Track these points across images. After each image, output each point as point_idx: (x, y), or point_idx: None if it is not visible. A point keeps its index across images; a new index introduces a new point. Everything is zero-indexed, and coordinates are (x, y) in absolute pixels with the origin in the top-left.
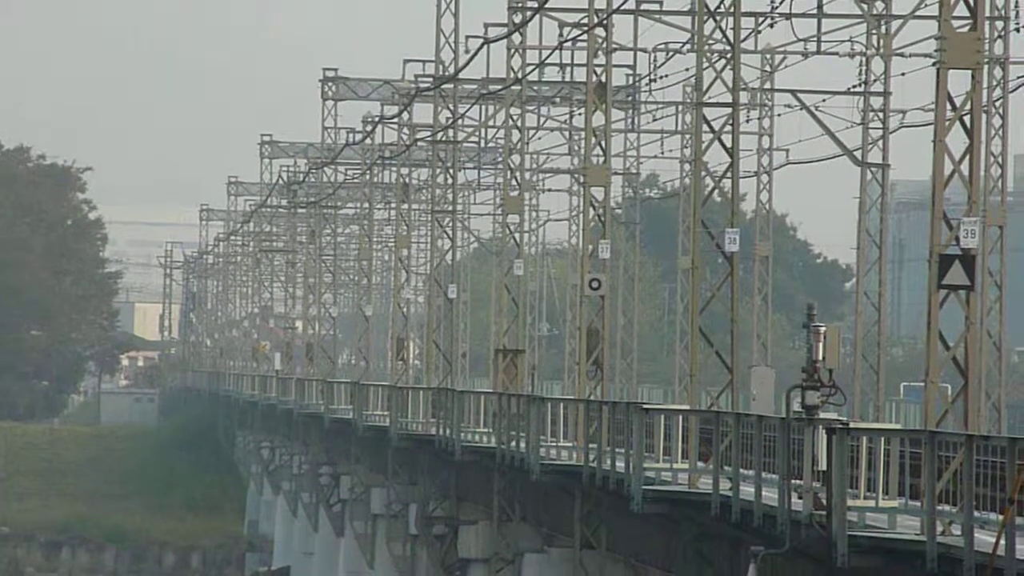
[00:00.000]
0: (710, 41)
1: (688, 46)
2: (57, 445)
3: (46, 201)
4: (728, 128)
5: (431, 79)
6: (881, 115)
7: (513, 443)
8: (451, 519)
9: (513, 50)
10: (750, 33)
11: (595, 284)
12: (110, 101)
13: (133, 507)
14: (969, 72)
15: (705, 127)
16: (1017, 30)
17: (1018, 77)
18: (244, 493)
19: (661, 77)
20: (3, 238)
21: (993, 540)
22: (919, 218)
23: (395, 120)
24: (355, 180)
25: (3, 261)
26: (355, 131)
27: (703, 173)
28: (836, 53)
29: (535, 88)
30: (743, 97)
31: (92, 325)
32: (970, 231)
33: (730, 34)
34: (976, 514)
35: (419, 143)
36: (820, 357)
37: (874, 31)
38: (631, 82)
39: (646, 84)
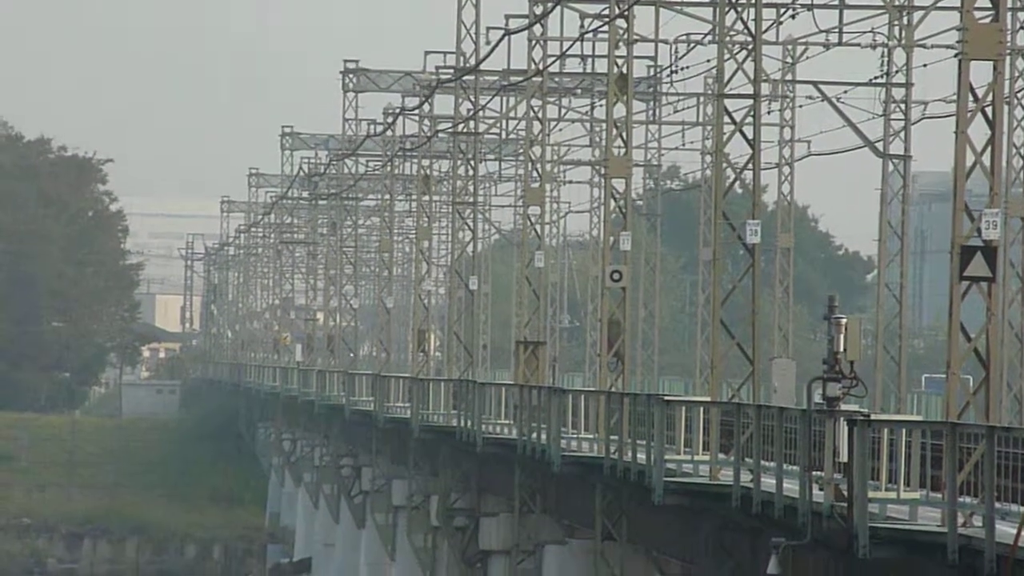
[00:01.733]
0: (731, 32)
1: (709, 37)
2: (78, 437)
3: (67, 193)
4: (749, 120)
5: (452, 71)
6: (903, 106)
7: (534, 435)
8: (472, 511)
9: (534, 41)
10: (771, 24)
11: (616, 276)
12: (131, 93)
13: (154, 499)
14: (991, 63)
15: (726, 119)
16: None
17: None
18: (265, 485)
19: (682, 68)
20: (24, 230)
21: (1014, 531)
22: (941, 209)
23: (416, 112)
24: (376, 172)
25: (24, 253)
26: (376, 123)
27: (724, 165)
28: (858, 44)
29: (556, 80)
30: (764, 88)
31: (113, 317)
32: (992, 222)
33: (751, 25)
34: (997, 505)
35: (440, 135)
36: (841, 349)
37: (896, 22)
38: (652, 73)
39: (667, 75)
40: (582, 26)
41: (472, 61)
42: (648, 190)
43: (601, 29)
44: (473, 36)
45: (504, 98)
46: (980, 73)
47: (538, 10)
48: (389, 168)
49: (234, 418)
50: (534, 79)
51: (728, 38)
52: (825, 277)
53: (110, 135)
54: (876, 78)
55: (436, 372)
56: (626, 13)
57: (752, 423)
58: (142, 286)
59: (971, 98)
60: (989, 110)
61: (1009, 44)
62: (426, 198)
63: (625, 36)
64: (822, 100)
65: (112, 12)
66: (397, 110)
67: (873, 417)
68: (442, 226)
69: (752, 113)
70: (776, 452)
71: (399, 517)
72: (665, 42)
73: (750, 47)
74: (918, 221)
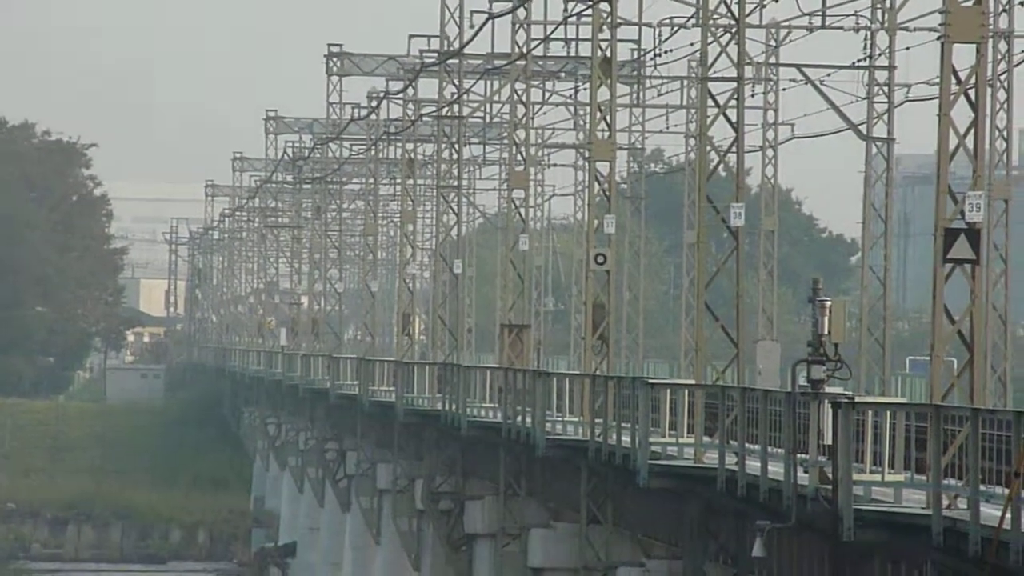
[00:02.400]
0: (715, 15)
1: (693, 20)
2: (63, 421)
3: (51, 177)
4: (733, 103)
5: (436, 54)
6: (886, 89)
7: (519, 418)
8: (457, 494)
9: (518, 25)
10: (755, 7)
11: (600, 259)
12: (115, 77)
13: (139, 483)
14: (974, 46)
15: (710, 102)
16: (1021, 4)
17: (1022, 51)
18: (250, 469)
19: (666, 52)
20: (8, 214)
21: (999, 514)
22: (924, 192)
23: (400, 95)
24: (360, 156)
25: (8, 237)
26: (360, 107)
27: (708, 148)
28: (841, 27)
29: (540, 63)
30: (748, 72)
31: (98, 301)
32: (975, 205)
33: (735, 9)
34: (982, 488)
35: (424, 118)
36: (826, 331)
37: (879, 5)
38: (636, 57)
39: (651, 59)
40: (566, 9)
41: (456, 45)
42: (632, 173)
43: (585, 12)
44: (457, 20)
45: (488, 82)
46: (963, 56)
47: None
48: (373, 152)
49: (219, 402)
50: (518, 63)
51: (711, 21)
52: (809, 260)
53: (94, 120)
54: (859, 61)
55: (421, 356)
56: None
57: (737, 406)
58: (126, 270)
59: (954, 81)
60: (972, 93)
61: (992, 27)
62: (410, 182)
63: (609, 19)
64: (805, 83)
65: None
66: (381, 94)
67: (857, 400)
68: (426, 210)
69: (736, 96)
70: (761, 435)
71: (384, 501)
72: (649, 25)
73: (733, 30)
74: (902, 204)
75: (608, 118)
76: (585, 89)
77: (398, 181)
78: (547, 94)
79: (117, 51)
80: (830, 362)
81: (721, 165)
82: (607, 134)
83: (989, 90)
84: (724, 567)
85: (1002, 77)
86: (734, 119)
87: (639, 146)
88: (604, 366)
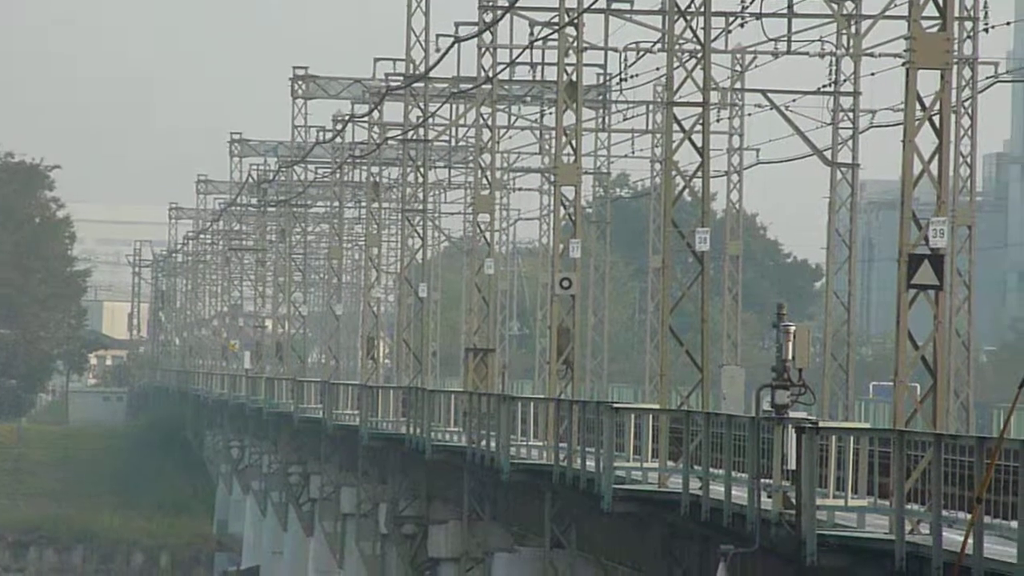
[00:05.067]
0: (681, 41)
1: (659, 45)
2: (25, 444)
3: (14, 199)
4: (698, 128)
5: (402, 78)
6: (851, 115)
7: (483, 442)
8: (421, 518)
9: (484, 49)
10: (720, 33)
11: (566, 283)
12: (79, 98)
13: (101, 506)
14: (938, 72)
15: (676, 126)
16: (986, 30)
17: (987, 77)
18: (213, 492)
19: (632, 76)
20: None
21: (961, 539)
22: (888, 218)
23: (365, 119)
24: (325, 179)
25: None
26: (325, 130)
27: (673, 172)
28: (806, 53)
29: (506, 87)
30: (713, 97)
31: (60, 324)
32: (939, 231)
33: (700, 34)
34: (944, 513)
35: (389, 142)
36: (790, 356)
37: (844, 31)
38: (602, 81)
39: (617, 83)
40: (532, 34)
41: (422, 68)
42: (598, 198)
43: (551, 37)
44: (423, 43)
45: (454, 105)
46: (928, 82)
47: (488, 18)
48: (338, 175)
49: (182, 426)
50: (484, 86)
51: (677, 46)
52: (774, 285)
53: (57, 141)
54: (824, 87)
55: (385, 379)
56: (575, 21)
57: (701, 430)
58: (89, 293)
59: (919, 107)
60: (936, 119)
61: (956, 53)
62: (375, 205)
63: (575, 44)
64: (771, 108)
65: (59, 17)
66: (347, 117)
67: (821, 425)
68: (391, 233)
69: (701, 121)
70: (725, 459)
71: (348, 525)
72: (615, 50)
73: (699, 55)
74: (866, 229)
75: (574, 142)
76: (551, 113)
77: (363, 204)
78: (513, 118)
79: (81, 73)
80: (794, 387)
81: (686, 190)
82: (573, 158)
83: (953, 116)
84: None
85: (966, 104)
86: (700, 144)
87: (605, 170)
88: (569, 390)
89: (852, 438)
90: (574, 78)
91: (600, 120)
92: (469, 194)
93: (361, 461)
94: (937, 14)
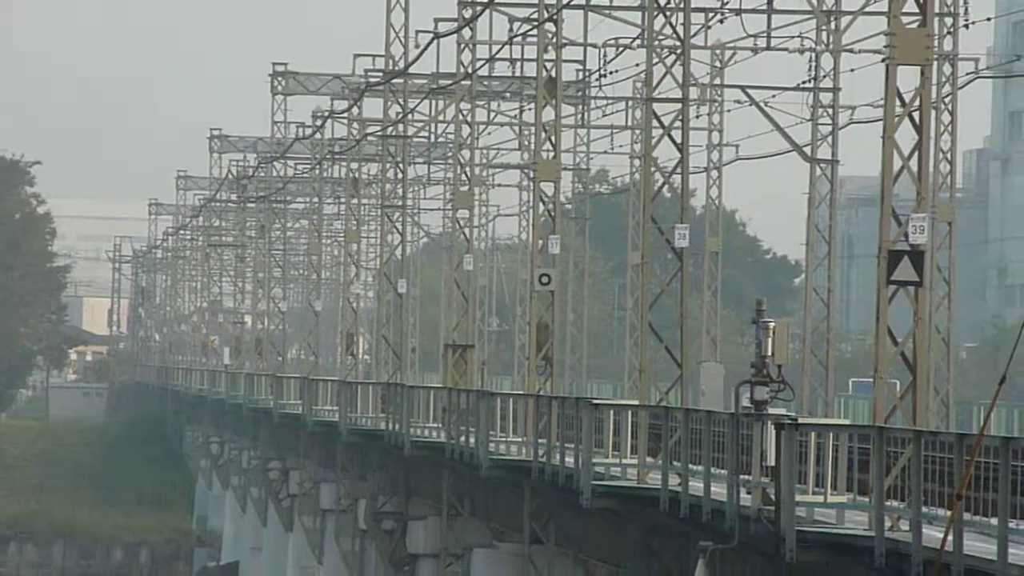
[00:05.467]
0: (660, 37)
1: (638, 42)
2: (5, 440)
3: None
4: (678, 124)
5: (381, 74)
6: (830, 111)
7: (463, 438)
8: (400, 514)
9: (463, 45)
10: (700, 29)
11: (545, 279)
12: (59, 94)
13: (81, 502)
14: (918, 68)
15: (655, 123)
16: (966, 26)
17: (967, 73)
18: (193, 488)
19: (611, 72)
20: None
21: (941, 535)
22: (868, 214)
23: (345, 115)
24: (305, 175)
25: None
26: (305, 126)
27: (653, 168)
28: (786, 49)
29: (485, 83)
30: (693, 93)
31: (40, 319)
32: (919, 227)
33: (680, 30)
34: (924, 509)
35: (369, 138)
36: (769, 352)
37: (824, 27)
38: (581, 77)
39: (596, 79)
40: (511, 30)
41: (401, 64)
42: (577, 194)
43: (530, 33)
44: (402, 39)
45: (433, 101)
46: (907, 78)
47: (467, 13)
48: (318, 171)
49: (162, 421)
50: (463, 82)
51: (657, 42)
52: (753, 281)
53: (38, 137)
54: (804, 82)
55: (365, 375)
56: (555, 17)
57: (680, 426)
58: (69, 288)
59: (898, 103)
60: (916, 115)
61: (936, 49)
62: (355, 201)
63: (554, 40)
64: (750, 104)
65: (38, 15)
66: (326, 113)
67: (800, 421)
68: (371, 229)
69: (680, 117)
70: (704, 456)
71: (327, 520)
72: (594, 46)
73: (679, 51)
74: (845, 225)
75: (553, 138)
76: (530, 109)
77: (343, 200)
78: (492, 114)
79: (61, 69)
80: (773, 383)
81: (666, 186)
82: (552, 154)
83: (933, 112)
84: None
85: (946, 99)
86: (679, 140)
87: (584, 166)
88: (548, 386)
89: (832, 434)
90: (553, 74)
91: (579, 116)
92: (448, 190)
93: (340, 457)
94: (917, 10)
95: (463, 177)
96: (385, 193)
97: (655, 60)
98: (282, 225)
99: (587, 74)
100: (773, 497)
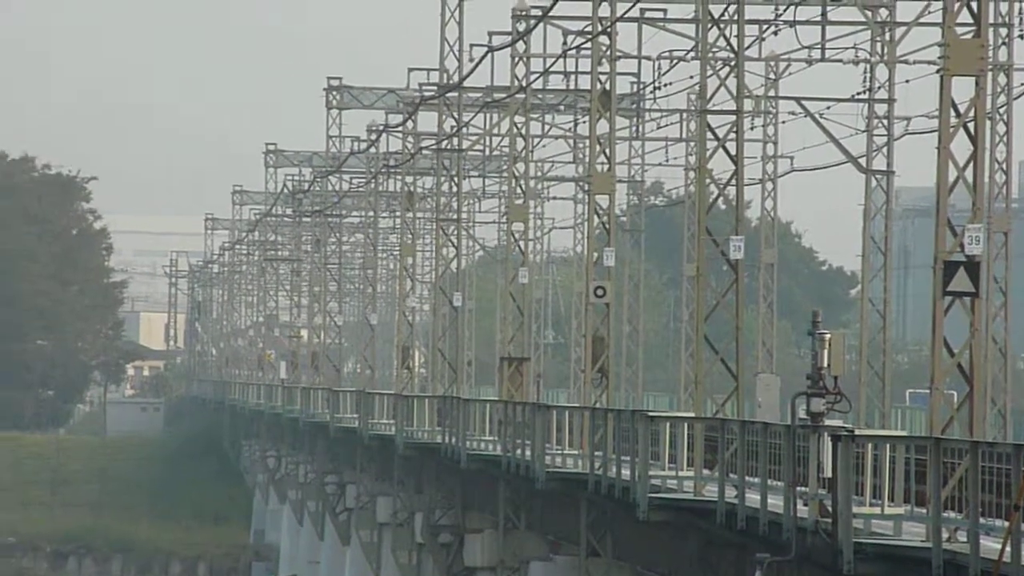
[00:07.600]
0: (714, 49)
1: (692, 54)
2: (63, 455)
3: (51, 211)
4: (732, 135)
5: (435, 87)
6: (885, 122)
7: (519, 451)
8: (457, 527)
9: (517, 58)
10: (754, 41)
11: (600, 292)
12: (115, 110)
13: (139, 517)
14: (973, 79)
15: (709, 134)
16: (1021, 37)
17: (1022, 84)
18: (250, 502)
19: (665, 85)
20: (9, 248)
21: (999, 547)
22: (924, 225)
23: (399, 129)
24: (360, 189)
25: (9, 271)
26: (360, 140)
27: (707, 180)
28: (840, 60)
29: (539, 96)
30: (747, 104)
31: (98, 335)
32: (975, 237)
33: (734, 42)
34: (982, 520)
35: (423, 151)
36: (825, 364)
37: (878, 38)
38: (635, 90)
39: (650, 92)
40: (565, 43)
41: (455, 78)
42: (632, 206)
43: (584, 46)
44: (456, 53)
45: (487, 115)
46: (962, 89)
47: (521, 27)
48: (373, 185)
49: (218, 436)
50: (517, 96)
51: (711, 54)
52: (809, 292)
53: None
54: (858, 94)
55: (420, 389)
56: (609, 30)
57: (736, 439)
58: (126, 304)
59: (953, 113)
60: (971, 125)
61: (991, 60)
62: (410, 215)
63: (608, 53)
64: (805, 116)
65: (93, 28)
66: (381, 127)
67: (857, 432)
68: (426, 243)
69: (735, 129)
70: (760, 467)
71: (384, 534)
72: (648, 58)
73: (733, 63)
74: (901, 236)
75: (607, 151)
76: (584, 122)
77: (397, 214)
78: (546, 127)
79: (117, 85)
80: (829, 395)
81: (720, 198)
82: (606, 167)
83: (988, 123)
84: None
85: (1001, 110)
86: (733, 152)
87: (638, 179)
88: (604, 399)
89: (888, 446)
90: (607, 87)
91: (634, 128)
92: (503, 203)
93: (397, 470)
94: (971, 20)
95: (518, 190)
96: (440, 206)
97: (709, 72)
98: (337, 239)
99: (641, 86)
100: (830, 509)
